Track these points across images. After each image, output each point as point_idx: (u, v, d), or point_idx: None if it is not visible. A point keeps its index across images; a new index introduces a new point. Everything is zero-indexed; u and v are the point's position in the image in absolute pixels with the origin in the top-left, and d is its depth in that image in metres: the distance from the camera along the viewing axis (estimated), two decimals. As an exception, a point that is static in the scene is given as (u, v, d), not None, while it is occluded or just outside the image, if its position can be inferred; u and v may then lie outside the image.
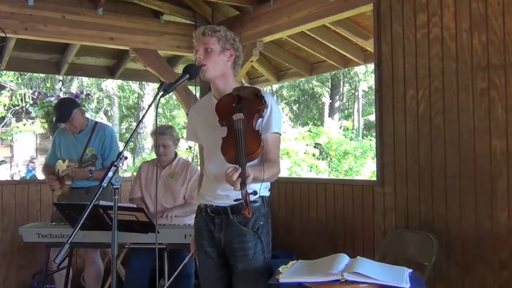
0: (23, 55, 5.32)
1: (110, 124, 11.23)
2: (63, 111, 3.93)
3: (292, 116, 22.59)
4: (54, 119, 4.07)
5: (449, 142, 3.06)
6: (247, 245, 2.34)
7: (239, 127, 2.17)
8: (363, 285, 2.03)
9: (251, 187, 2.10)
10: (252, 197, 2.08)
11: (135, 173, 5.41)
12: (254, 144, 2.19)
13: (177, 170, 3.90)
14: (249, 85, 2.43)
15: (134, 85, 19.28)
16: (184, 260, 2.89)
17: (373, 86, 4.01)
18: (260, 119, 2.28)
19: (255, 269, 2.35)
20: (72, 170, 3.77)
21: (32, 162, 16.50)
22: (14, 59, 5.24)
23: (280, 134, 2.38)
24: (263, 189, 2.36)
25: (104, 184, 1.97)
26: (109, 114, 20.76)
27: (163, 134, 3.83)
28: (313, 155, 12.10)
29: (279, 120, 2.36)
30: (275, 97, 21.13)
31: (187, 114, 5.29)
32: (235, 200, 2.12)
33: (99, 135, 3.97)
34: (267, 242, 2.41)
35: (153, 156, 4.06)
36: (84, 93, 7.12)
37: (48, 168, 4.10)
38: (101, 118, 16.65)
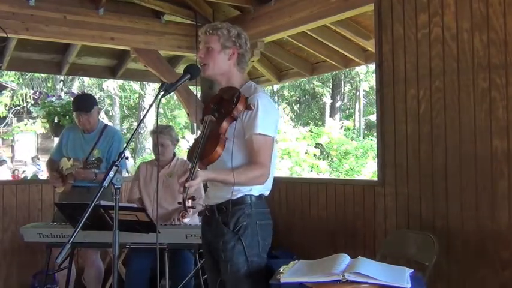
0: (24, 55, 5.32)
1: (111, 124, 11.22)
2: (86, 102, 4.00)
3: (293, 116, 22.58)
4: (73, 107, 4.07)
5: (450, 142, 3.06)
6: (225, 246, 2.25)
7: (205, 129, 2.23)
8: (363, 285, 2.03)
9: (225, 190, 2.21)
10: (191, 202, 2.07)
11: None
12: (211, 148, 2.17)
13: (175, 170, 3.90)
14: (233, 86, 2.35)
15: (135, 85, 19.27)
16: None
17: (374, 86, 4.01)
18: (234, 122, 2.23)
19: (234, 272, 2.25)
20: (75, 170, 3.78)
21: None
22: (15, 59, 5.25)
23: (269, 136, 2.24)
24: (247, 189, 2.27)
25: (105, 184, 1.97)
26: (110, 114, 20.75)
27: (161, 133, 3.83)
28: (314, 155, 12.09)
29: (267, 121, 2.23)
30: (276, 97, 21.11)
31: (188, 114, 5.30)
32: (178, 203, 2.13)
33: (107, 138, 3.99)
34: (251, 245, 2.26)
35: (154, 156, 4.06)
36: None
37: (52, 163, 4.12)
38: (102, 118, 16.59)
